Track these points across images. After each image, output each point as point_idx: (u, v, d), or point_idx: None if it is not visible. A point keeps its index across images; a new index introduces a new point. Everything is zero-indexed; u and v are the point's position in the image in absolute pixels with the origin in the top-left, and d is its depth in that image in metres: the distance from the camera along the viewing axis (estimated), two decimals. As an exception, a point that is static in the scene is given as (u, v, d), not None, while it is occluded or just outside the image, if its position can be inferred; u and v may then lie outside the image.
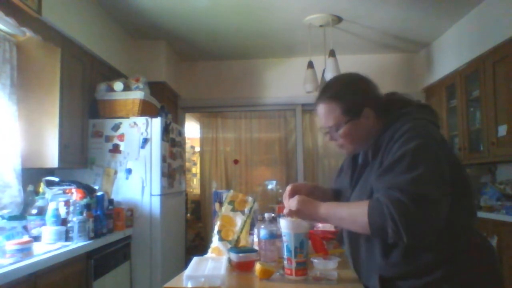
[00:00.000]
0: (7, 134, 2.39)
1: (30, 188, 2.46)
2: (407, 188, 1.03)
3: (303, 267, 1.26)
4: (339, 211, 1.21)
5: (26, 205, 2.40)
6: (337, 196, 1.50)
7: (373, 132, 1.26)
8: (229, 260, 1.42)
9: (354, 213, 1.15)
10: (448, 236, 1.12)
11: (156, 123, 3.11)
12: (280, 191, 4.87)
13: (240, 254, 1.40)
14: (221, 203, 1.74)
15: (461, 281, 1.11)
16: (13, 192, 2.36)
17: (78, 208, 2.38)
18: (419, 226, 1.01)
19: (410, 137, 1.12)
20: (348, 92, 1.28)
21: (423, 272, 1.12)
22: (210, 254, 1.55)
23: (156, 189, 3.05)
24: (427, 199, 1.02)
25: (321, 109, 1.30)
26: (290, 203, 1.29)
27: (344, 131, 1.26)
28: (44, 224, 2.28)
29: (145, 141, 3.07)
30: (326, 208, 1.23)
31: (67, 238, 2.29)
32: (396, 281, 1.16)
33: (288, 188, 1.40)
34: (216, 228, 1.58)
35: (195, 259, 1.40)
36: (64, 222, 2.33)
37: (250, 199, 1.64)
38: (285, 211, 1.31)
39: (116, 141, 3.08)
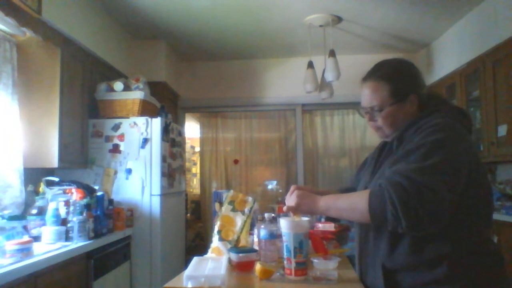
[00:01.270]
0: (10, 134, 2.39)
1: (30, 188, 2.46)
2: (412, 176, 1.03)
3: (302, 267, 1.26)
4: (338, 202, 1.21)
5: (26, 205, 2.41)
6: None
7: (409, 120, 1.24)
8: (229, 260, 1.42)
9: (354, 202, 1.15)
10: (457, 235, 1.10)
11: (156, 123, 3.11)
12: (280, 191, 4.87)
13: (240, 254, 1.40)
14: (221, 203, 1.74)
15: (463, 284, 1.09)
16: (15, 192, 2.36)
17: (78, 208, 2.38)
18: (417, 214, 1.00)
19: (434, 130, 1.12)
20: (399, 75, 1.28)
21: (425, 267, 1.11)
22: (210, 254, 1.55)
23: (156, 189, 3.05)
24: (429, 189, 1.00)
25: (368, 87, 1.29)
26: (289, 199, 1.29)
27: (387, 113, 1.25)
28: (44, 224, 2.28)
29: (145, 141, 3.07)
30: (325, 200, 1.22)
31: (67, 238, 2.30)
32: (398, 273, 1.15)
33: (291, 189, 1.40)
34: (216, 228, 1.58)
35: (195, 259, 1.40)
36: (64, 222, 2.33)
37: (250, 199, 1.64)
38: (285, 207, 1.30)
39: (116, 141, 3.08)
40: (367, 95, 1.29)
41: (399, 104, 1.25)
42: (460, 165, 1.08)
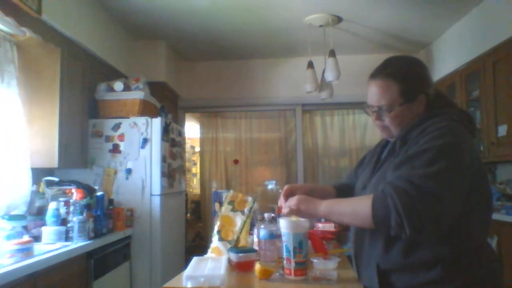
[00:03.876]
0: (17, 133, 2.39)
1: (34, 188, 2.46)
2: (416, 182, 1.01)
3: (302, 267, 1.26)
4: (340, 207, 1.19)
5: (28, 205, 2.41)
6: (343, 193, 1.46)
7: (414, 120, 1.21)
8: (229, 260, 1.42)
9: (356, 207, 1.13)
10: (455, 238, 1.09)
11: (156, 123, 3.11)
12: (280, 191, 4.86)
13: (240, 254, 1.40)
14: (221, 203, 1.74)
15: (457, 285, 1.08)
16: (25, 191, 2.37)
17: (78, 208, 2.38)
18: (421, 221, 0.98)
19: (440, 134, 1.09)
20: (409, 74, 1.23)
21: (420, 268, 1.10)
22: (210, 254, 1.55)
23: (156, 189, 3.05)
24: (434, 196, 0.99)
25: (376, 86, 1.24)
26: (290, 202, 1.28)
27: (396, 113, 1.21)
28: (44, 224, 2.28)
29: (145, 141, 3.07)
30: (326, 205, 1.21)
31: (67, 238, 2.30)
32: (392, 274, 1.14)
33: (285, 188, 1.39)
34: (216, 228, 1.58)
35: (195, 259, 1.40)
36: (64, 222, 2.33)
37: (250, 199, 1.64)
38: (284, 210, 1.29)
39: (116, 141, 3.08)
40: (375, 94, 1.24)
41: (408, 104, 1.21)
42: (465, 171, 1.07)
